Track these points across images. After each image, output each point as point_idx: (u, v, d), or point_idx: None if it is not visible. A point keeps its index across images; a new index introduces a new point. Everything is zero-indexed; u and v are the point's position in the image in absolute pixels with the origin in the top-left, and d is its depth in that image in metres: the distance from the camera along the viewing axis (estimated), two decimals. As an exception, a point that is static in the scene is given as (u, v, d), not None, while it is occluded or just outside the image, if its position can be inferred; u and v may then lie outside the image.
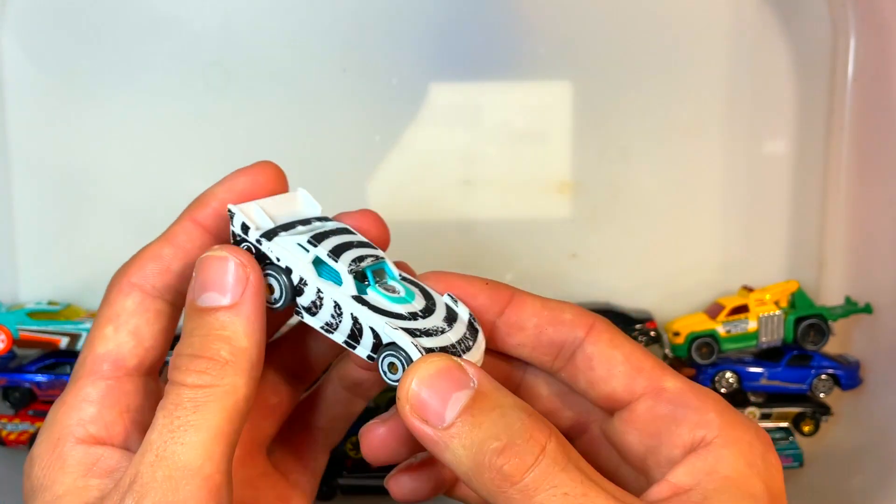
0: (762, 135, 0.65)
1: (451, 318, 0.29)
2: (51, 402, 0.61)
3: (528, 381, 0.33)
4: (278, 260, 0.29)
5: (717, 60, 0.64)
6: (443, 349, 0.27)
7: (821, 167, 0.65)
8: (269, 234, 0.29)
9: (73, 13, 0.62)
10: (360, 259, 0.29)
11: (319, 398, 0.35)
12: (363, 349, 0.28)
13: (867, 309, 0.61)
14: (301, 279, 0.28)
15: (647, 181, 0.65)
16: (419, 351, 0.26)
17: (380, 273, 0.30)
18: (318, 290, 0.28)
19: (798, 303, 0.63)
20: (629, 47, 0.64)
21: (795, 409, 0.63)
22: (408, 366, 0.27)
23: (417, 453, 0.34)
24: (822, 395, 0.63)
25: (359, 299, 0.28)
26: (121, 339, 0.29)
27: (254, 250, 0.29)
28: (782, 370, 0.63)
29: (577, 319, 0.30)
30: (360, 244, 0.30)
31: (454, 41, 0.63)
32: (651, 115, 0.64)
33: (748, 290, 0.63)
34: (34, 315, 0.61)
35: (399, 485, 0.35)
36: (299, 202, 0.32)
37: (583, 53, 0.64)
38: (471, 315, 0.30)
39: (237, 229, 0.29)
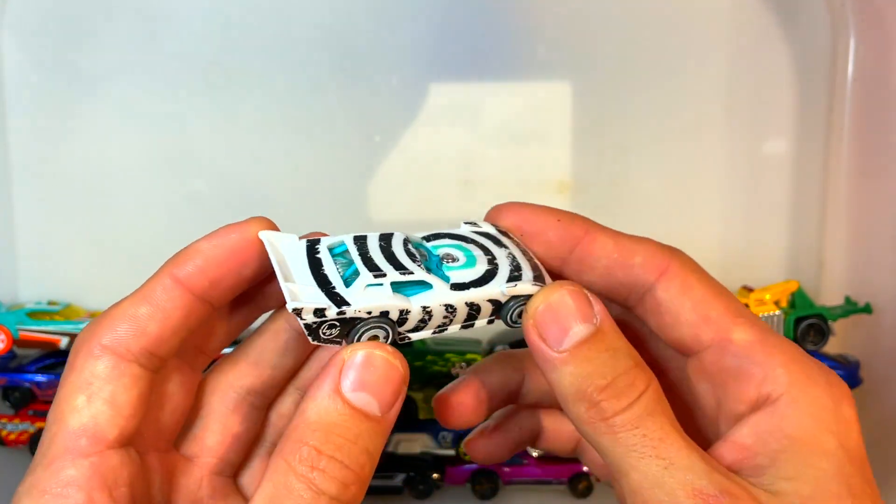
0: (762, 135, 0.65)
1: (494, 240, 0.30)
2: (50, 402, 0.61)
3: None
4: (370, 313, 0.27)
5: (717, 60, 0.64)
6: (535, 271, 0.29)
7: (821, 167, 0.65)
8: (338, 302, 0.27)
9: (73, 13, 0.62)
10: (410, 252, 0.28)
11: (278, 416, 0.33)
12: (482, 320, 0.29)
13: (867, 309, 0.61)
14: (401, 311, 0.27)
15: (647, 181, 0.65)
16: (538, 287, 0.28)
17: (421, 245, 0.30)
18: (424, 308, 0.28)
19: (798, 303, 0.63)
20: (629, 47, 0.64)
21: (795, 409, 0.63)
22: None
23: (491, 415, 0.35)
24: (822, 395, 0.63)
25: (456, 287, 0.28)
26: (96, 410, 0.26)
27: (338, 324, 0.27)
28: (782, 370, 0.62)
29: (648, 262, 0.29)
30: (384, 237, 0.29)
31: (454, 41, 0.63)
32: (651, 114, 0.64)
33: (748, 290, 0.63)
34: (34, 315, 0.61)
35: (476, 448, 0.35)
36: (280, 247, 0.28)
37: (583, 53, 0.64)
38: (492, 225, 0.31)
39: (311, 318, 0.26)
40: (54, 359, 0.62)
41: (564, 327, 0.26)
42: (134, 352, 0.27)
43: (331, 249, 0.28)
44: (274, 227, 0.29)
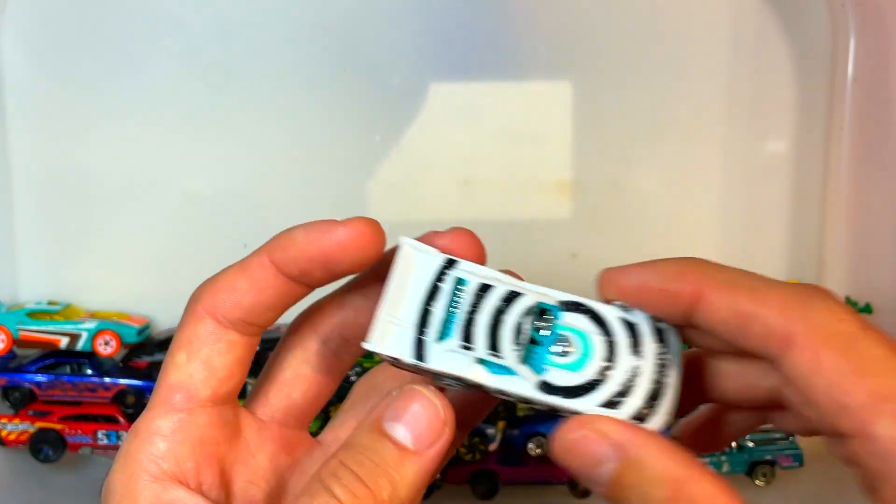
0: (762, 135, 0.65)
1: (636, 340, 0.27)
2: (50, 402, 0.62)
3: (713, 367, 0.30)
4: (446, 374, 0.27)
5: (717, 60, 0.64)
6: (651, 400, 0.26)
7: (821, 167, 0.65)
8: (419, 349, 0.27)
9: (73, 13, 0.62)
10: (519, 327, 0.27)
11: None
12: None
13: (867, 309, 0.61)
14: (477, 384, 0.27)
15: (647, 181, 0.65)
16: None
17: (552, 309, 0.27)
18: (500, 391, 0.27)
19: (798, 303, 0.63)
20: (629, 47, 0.64)
21: (795, 409, 0.63)
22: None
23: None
24: (822, 395, 0.62)
25: (543, 387, 0.27)
26: (193, 370, 0.29)
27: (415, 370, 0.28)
28: (782, 370, 0.62)
29: (771, 333, 0.25)
30: (509, 297, 0.27)
31: (454, 41, 0.63)
32: (651, 115, 0.64)
33: (748, 290, 0.63)
34: (34, 315, 0.61)
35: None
36: (413, 262, 0.28)
37: (583, 53, 0.64)
38: (648, 317, 0.28)
39: (392, 362, 0.28)
40: (54, 359, 0.62)
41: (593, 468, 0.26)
42: (231, 319, 0.29)
43: (458, 280, 0.28)
44: (378, 233, 0.28)
